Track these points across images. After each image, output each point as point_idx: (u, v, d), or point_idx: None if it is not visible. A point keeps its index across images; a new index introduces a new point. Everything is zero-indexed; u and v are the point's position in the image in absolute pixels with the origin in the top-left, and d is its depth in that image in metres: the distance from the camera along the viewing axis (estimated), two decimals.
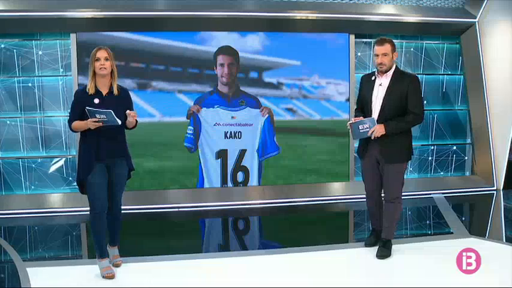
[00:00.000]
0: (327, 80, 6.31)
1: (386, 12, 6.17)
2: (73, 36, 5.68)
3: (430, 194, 6.30)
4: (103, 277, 3.58)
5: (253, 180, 6.15)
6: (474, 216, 5.92)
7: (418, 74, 6.52)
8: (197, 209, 5.85)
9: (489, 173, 6.54)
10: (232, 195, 6.06)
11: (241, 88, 6.07)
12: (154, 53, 5.89)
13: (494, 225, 5.29)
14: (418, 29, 6.36)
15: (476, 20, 6.32)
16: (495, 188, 6.51)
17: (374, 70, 4.03)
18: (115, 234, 3.85)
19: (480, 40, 6.28)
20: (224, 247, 4.74)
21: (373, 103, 3.89)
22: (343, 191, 6.26)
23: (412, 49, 6.59)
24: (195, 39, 5.94)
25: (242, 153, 6.10)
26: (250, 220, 5.69)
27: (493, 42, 6.33)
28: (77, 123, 3.56)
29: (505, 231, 5.00)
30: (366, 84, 4.02)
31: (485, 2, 6.21)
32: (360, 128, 3.81)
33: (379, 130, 3.76)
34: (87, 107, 3.49)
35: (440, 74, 6.69)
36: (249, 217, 5.74)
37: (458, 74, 6.74)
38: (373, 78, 3.98)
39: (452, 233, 4.65)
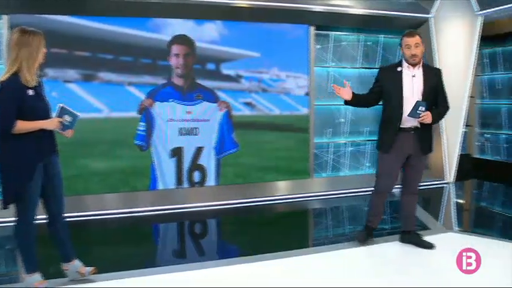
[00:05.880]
0: (286, 73, 6.50)
1: (344, 4, 6.49)
2: (5, 18, 5.31)
3: None
4: None
5: (211, 179, 6.19)
6: (439, 210, 6.26)
7: (373, 68, 7.04)
8: (150, 213, 5.72)
9: (441, 167, 7.22)
10: (189, 197, 6.04)
11: (198, 81, 6.06)
12: (101, 40, 5.67)
13: (463, 218, 5.80)
14: (376, 22, 6.76)
15: (431, 15, 6.89)
16: (447, 181, 7.18)
17: (394, 62, 4.33)
18: (69, 245, 3.55)
19: (434, 35, 6.89)
20: (181, 257, 4.55)
21: (406, 95, 4.06)
22: (303, 189, 6.53)
23: (369, 43, 7.04)
24: (147, 26, 5.81)
25: (199, 151, 6.11)
26: (208, 223, 5.71)
27: (446, 38, 6.91)
28: (26, 124, 3.20)
29: (474, 223, 5.60)
30: (390, 76, 4.18)
31: None
32: (420, 109, 3.97)
33: (429, 117, 4.01)
34: (63, 104, 3.39)
35: None
36: (207, 220, 5.75)
37: None
38: (399, 69, 4.15)
39: (430, 228, 5.00)
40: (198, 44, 6.02)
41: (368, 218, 4.45)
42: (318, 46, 6.69)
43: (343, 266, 3.92)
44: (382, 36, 7.11)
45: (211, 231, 5.56)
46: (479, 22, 6.95)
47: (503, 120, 8.21)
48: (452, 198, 6.58)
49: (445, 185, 7.08)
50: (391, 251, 4.26)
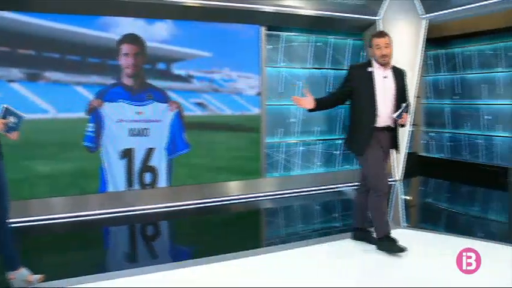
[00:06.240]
0: (238, 73, 6.54)
1: (294, 5, 6.57)
2: None
3: (338, 187, 7.01)
4: None
5: (162, 180, 6.14)
6: (388, 207, 6.62)
7: (323, 68, 7.24)
8: (100, 217, 5.61)
9: (389, 165, 7.42)
10: (140, 199, 5.97)
11: (148, 81, 6.00)
12: (47, 38, 5.51)
13: (410, 214, 6.01)
14: (326, 23, 6.90)
15: (378, 17, 7.10)
16: (395, 178, 7.44)
17: (363, 62, 4.34)
18: (15, 252, 3.44)
19: None
20: (134, 260, 4.48)
21: (379, 95, 4.09)
22: (255, 189, 6.60)
23: (319, 43, 7.17)
24: (96, 24, 5.69)
25: (149, 151, 6.04)
26: (160, 225, 5.66)
27: (393, 39, 7.08)
28: None
29: (421, 219, 5.81)
30: (361, 76, 4.17)
31: (387, 0, 7.05)
32: (404, 110, 4.07)
33: (407, 118, 4.14)
34: (7, 105, 3.28)
35: (345, 69, 7.36)
36: (159, 222, 5.70)
37: None
38: (370, 70, 4.17)
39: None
40: (148, 43, 5.95)
41: (380, 227, 4.20)
42: (269, 46, 6.76)
43: (300, 265, 3.96)
44: (332, 37, 7.26)
45: (163, 233, 5.52)
46: (423, 25, 7.24)
47: (447, 119, 8.58)
48: (400, 195, 6.82)
49: (393, 183, 7.32)
50: (349, 248, 4.35)
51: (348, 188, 6.94)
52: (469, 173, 8.02)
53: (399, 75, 4.22)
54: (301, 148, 7.13)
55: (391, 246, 4.13)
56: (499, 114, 7.70)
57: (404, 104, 4.06)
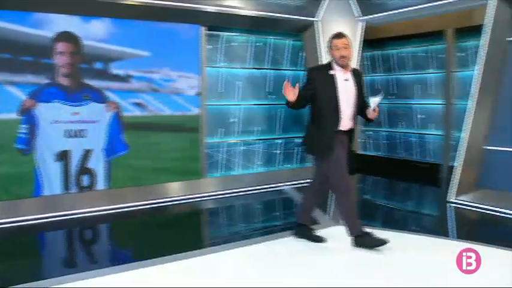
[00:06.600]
0: (177, 73, 6.50)
1: (234, 5, 6.61)
2: None
3: (279, 186, 7.11)
4: None
5: (101, 183, 6.03)
6: (327, 205, 6.39)
7: (263, 68, 7.33)
8: (35, 222, 5.40)
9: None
10: (77, 202, 5.81)
11: (85, 80, 5.87)
12: None
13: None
14: (265, 24, 6.98)
15: (317, 19, 7.24)
16: None
17: (323, 64, 4.31)
18: None
19: (321, 38, 7.25)
20: (72, 266, 4.34)
21: (342, 98, 4.11)
22: (197, 189, 6.58)
23: (259, 44, 7.24)
24: (28, 21, 5.49)
25: (87, 153, 5.91)
26: (100, 229, 5.53)
27: None
28: None
29: (359, 215, 5.97)
30: (323, 79, 4.16)
31: (325, 1, 7.19)
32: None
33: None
34: None
35: (284, 70, 7.52)
36: (98, 225, 5.57)
37: (301, 70, 7.67)
38: (331, 73, 4.17)
39: (319, 223, 5.21)
40: (85, 41, 5.82)
41: (353, 225, 4.24)
42: (209, 46, 6.77)
43: (243, 264, 4.00)
44: (272, 37, 7.36)
45: (103, 237, 5.42)
46: (360, 27, 7.46)
47: (383, 118, 8.90)
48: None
49: None
50: (294, 246, 4.41)
51: (289, 187, 7.08)
52: (404, 169, 8.39)
53: (358, 76, 4.27)
54: (241, 148, 7.19)
55: (371, 241, 4.17)
56: (431, 113, 8.08)
57: (379, 96, 4.13)
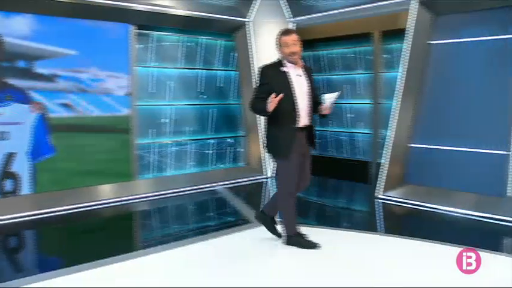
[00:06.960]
0: (106, 73, 6.35)
1: (165, 4, 6.57)
2: None
3: (212, 186, 7.14)
4: None
5: (25, 187, 5.79)
6: (260, 203, 6.63)
7: (195, 68, 7.31)
8: None
9: (259, 163, 7.76)
10: (0, 208, 5.55)
11: (6, 80, 5.62)
12: None
13: None
14: (197, 24, 6.98)
15: (248, 19, 7.33)
16: (266, 176, 7.75)
17: (273, 61, 4.18)
18: None
19: (252, 39, 7.32)
20: None
21: (298, 94, 4.09)
22: (128, 191, 6.47)
23: (190, 44, 7.22)
24: None
25: (10, 156, 5.66)
26: (25, 235, 5.30)
27: (263, 41, 7.43)
28: None
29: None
30: (277, 76, 4.11)
31: (257, 2, 7.28)
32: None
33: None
34: None
35: (216, 70, 7.55)
36: (23, 232, 5.33)
37: (233, 70, 7.74)
38: (284, 69, 4.14)
39: (252, 222, 5.30)
40: (6, 39, 5.56)
41: (289, 225, 4.36)
42: (139, 46, 6.68)
43: (180, 265, 3.98)
44: (203, 37, 7.36)
45: (28, 244, 5.19)
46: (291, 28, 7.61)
47: (314, 117, 9.05)
48: (271, 191, 7.11)
49: (264, 180, 7.64)
50: (240, 242, 4.49)
51: (222, 187, 7.11)
52: (335, 167, 8.61)
53: (308, 72, 4.29)
54: (173, 148, 7.14)
55: (302, 243, 4.31)
56: (360, 112, 8.35)
57: (336, 93, 4.13)
